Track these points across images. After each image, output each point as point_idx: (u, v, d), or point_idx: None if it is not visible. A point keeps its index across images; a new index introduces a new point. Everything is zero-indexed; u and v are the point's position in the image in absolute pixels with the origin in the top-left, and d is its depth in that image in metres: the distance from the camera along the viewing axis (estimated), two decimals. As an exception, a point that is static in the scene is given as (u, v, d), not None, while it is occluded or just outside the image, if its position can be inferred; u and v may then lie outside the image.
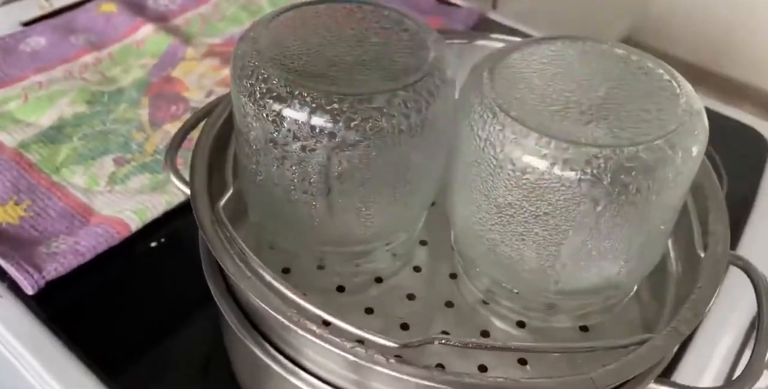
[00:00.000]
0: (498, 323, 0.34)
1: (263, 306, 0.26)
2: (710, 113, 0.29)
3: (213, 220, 0.29)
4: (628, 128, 0.26)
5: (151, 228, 0.44)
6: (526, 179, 0.26)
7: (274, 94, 0.28)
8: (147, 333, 0.40)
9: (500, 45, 0.37)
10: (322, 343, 0.24)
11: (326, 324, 0.26)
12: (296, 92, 0.28)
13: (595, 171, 0.25)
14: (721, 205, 0.31)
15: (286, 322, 0.25)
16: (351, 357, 0.24)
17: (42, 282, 0.40)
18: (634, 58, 0.29)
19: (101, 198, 0.46)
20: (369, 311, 0.34)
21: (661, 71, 0.29)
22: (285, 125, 0.28)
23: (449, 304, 0.35)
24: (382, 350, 0.24)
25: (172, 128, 0.52)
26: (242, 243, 0.27)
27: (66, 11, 0.63)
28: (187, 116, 0.53)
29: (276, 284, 0.26)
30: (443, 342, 0.25)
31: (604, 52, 0.30)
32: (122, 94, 0.55)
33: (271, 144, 0.29)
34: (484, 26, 0.68)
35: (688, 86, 0.28)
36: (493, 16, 0.70)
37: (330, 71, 0.29)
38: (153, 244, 0.44)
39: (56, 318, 0.40)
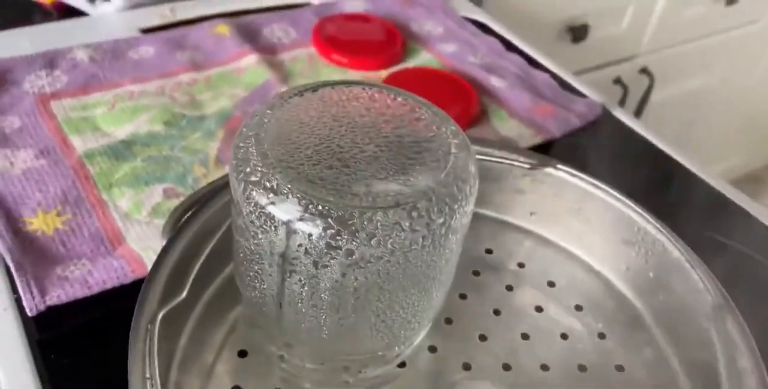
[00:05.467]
0: None
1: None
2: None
3: (147, 328, 0.27)
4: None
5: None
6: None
7: (285, 205, 0.26)
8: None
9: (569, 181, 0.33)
10: None
11: None
12: (310, 206, 0.25)
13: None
14: None
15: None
16: None
17: (42, 307, 0.39)
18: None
19: (137, 228, 0.45)
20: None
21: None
22: (296, 239, 0.26)
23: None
24: None
25: (233, 169, 0.51)
26: (156, 366, 0.25)
27: (183, 26, 0.65)
28: (253, 158, 0.51)
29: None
30: None
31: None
32: (202, 122, 0.55)
33: (277, 257, 0.27)
34: (606, 125, 0.62)
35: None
36: (622, 116, 0.63)
37: (343, 174, 0.27)
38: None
39: (44, 342, 0.39)
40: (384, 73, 0.62)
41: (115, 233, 0.45)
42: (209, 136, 0.53)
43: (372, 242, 0.26)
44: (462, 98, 0.59)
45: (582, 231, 0.38)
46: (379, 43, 0.66)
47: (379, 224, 0.26)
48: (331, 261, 0.26)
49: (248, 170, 0.27)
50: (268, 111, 0.29)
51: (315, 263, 0.26)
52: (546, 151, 0.56)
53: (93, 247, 0.44)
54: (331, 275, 0.26)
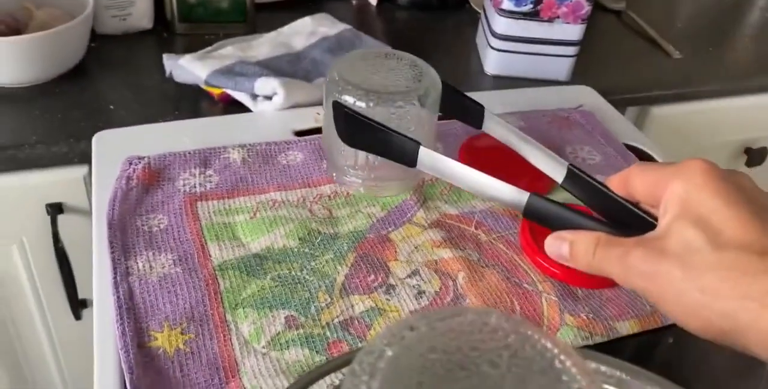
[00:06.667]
0: None
1: None
2: None
3: None
4: None
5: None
6: None
7: None
8: None
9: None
10: None
11: None
12: None
13: None
14: None
15: None
16: None
17: (148, 442, 0.39)
18: None
19: (253, 360, 0.45)
20: None
21: None
22: None
23: None
24: None
25: (359, 302, 0.49)
26: None
27: (335, 132, 0.65)
28: (380, 292, 0.50)
29: None
30: None
31: None
32: (335, 241, 0.54)
33: None
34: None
35: None
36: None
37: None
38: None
39: None
40: (529, 204, 0.59)
41: (231, 363, 0.44)
42: (340, 259, 0.52)
43: None
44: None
45: None
46: (526, 167, 0.62)
47: None
48: None
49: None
50: (389, 353, 0.26)
51: None
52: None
53: (207, 377, 0.43)
54: None
